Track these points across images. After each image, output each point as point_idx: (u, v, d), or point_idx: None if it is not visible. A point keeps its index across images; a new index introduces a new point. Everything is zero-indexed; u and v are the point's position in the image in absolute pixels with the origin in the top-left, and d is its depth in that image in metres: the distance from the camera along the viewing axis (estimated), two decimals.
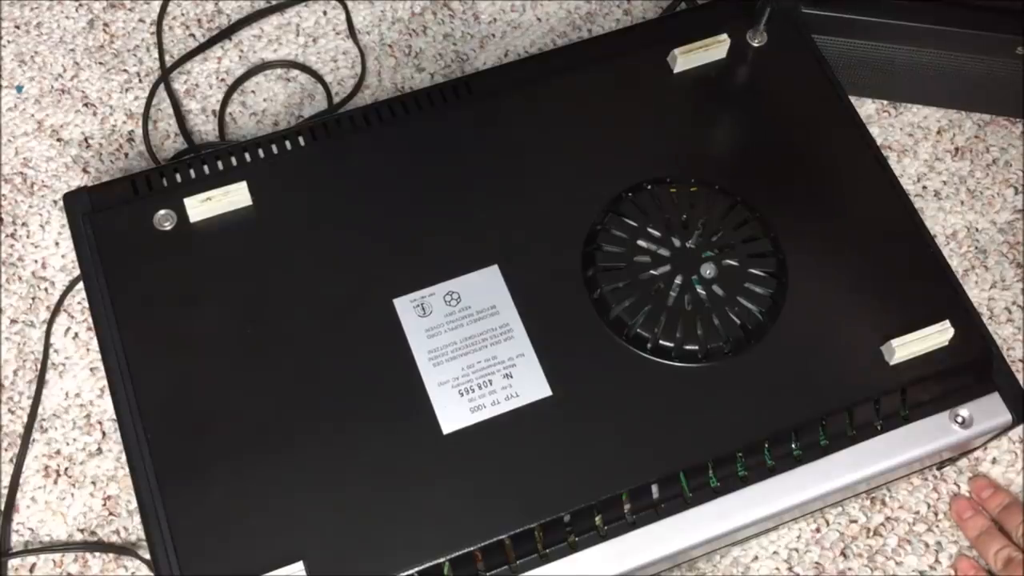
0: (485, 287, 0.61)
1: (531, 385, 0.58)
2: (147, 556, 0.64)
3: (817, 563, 0.69)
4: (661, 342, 0.60)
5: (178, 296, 0.61)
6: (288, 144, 0.66)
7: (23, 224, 0.78)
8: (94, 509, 0.69)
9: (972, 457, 0.72)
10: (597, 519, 0.57)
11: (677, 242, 0.63)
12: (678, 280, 0.62)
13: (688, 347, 0.60)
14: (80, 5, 0.87)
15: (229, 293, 0.61)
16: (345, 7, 0.87)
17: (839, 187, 0.66)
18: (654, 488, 0.57)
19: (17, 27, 0.86)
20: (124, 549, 0.68)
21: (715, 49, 0.69)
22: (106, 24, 0.86)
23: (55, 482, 0.70)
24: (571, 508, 0.56)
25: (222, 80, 0.84)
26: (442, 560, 0.54)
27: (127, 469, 0.58)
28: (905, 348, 0.60)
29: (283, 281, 0.61)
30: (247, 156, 0.65)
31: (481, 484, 0.56)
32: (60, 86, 0.83)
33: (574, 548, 0.56)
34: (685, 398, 0.59)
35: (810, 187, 0.66)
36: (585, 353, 0.59)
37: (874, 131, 0.82)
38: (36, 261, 0.77)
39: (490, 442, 0.57)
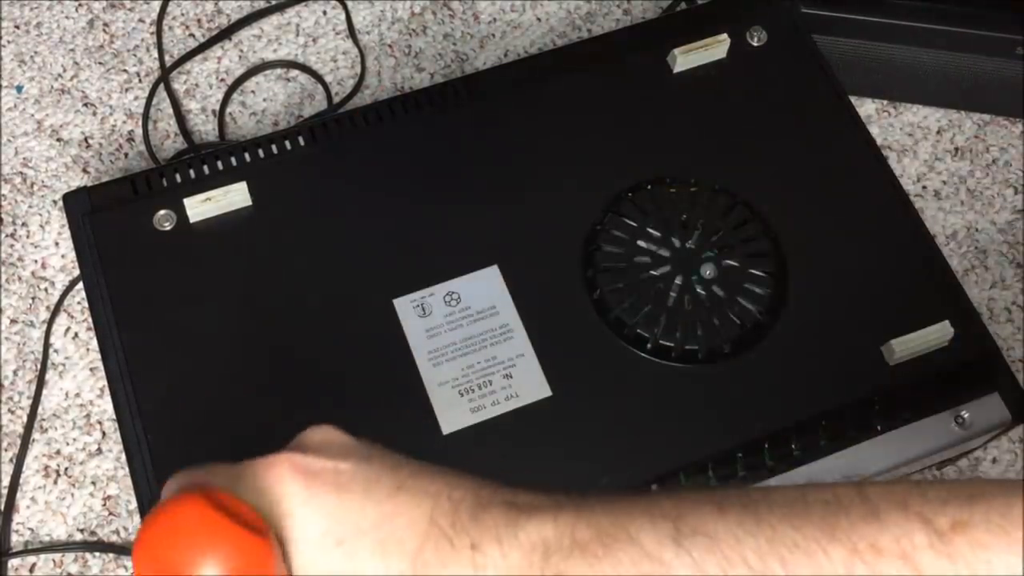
0: (485, 287, 0.61)
1: (531, 385, 0.58)
2: None
3: None
4: (661, 342, 0.60)
5: (178, 296, 0.60)
6: (288, 144, 0.66)
7: (23, 224, 0.78)
8: (94, 509, 0.69)
9: (972, 457, 0.72)
10: None
11: (677, 242, 0.63)
12: (678, 280, 0.62)
13: (688, 347, 0.60)
14: (80, 5, 0.87)
15: (229, 293, 0.61)
16: (345, 7, 0.87)
17: (839, 187, 0.66)
18: (653, 488, 0.57)
19: (17, 27, 0.86)
20: (124, 549, 0.68)
21: (715, 49, 0.69)
22: (106, 24, 0.86)
23: (55, 482, 0.70)
24: None
25: (222, 80, 0.84)
26: None
27: (127, 469, 0.58)
28: (905, 348, 0.60)
29: (283, 281, 0.61)
30: (247, 156, 0.65)
31: None
32: (60, 86, 0.83)
33: None
34: (685, 398, 0.59)
35: (810, 187, 0.66)
36: (585, 353, 0.59)
37: (874, 131, 0.82)
38: (36, 261, 0.77)
39: (490, 442, 0.57)
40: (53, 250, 0.77)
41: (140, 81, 0.84)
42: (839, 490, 0.34)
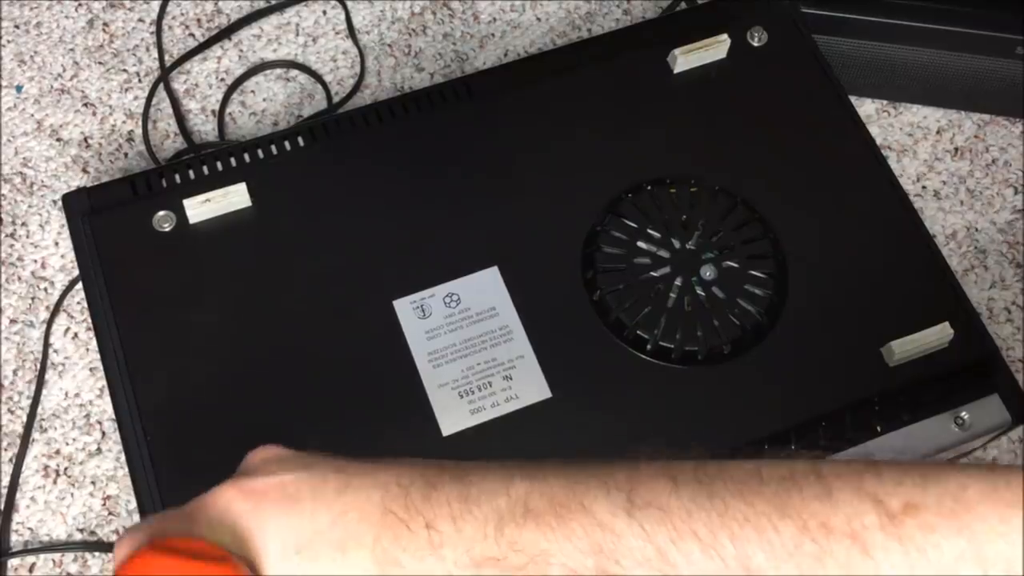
0: (485, 289, 0.61)
1: (531, 387, 0.58)
2: None
3: None
4: (661, 344, 0.60)
5: (177, 297, 0.60)
6: (287, 144, 0.66)
7: (23, 224, 0.78)
8: (93, 509, 0.69)
9: (972, 457, 0.72)
10: None
11: (677, 243, 0.63)
12: (678, 282, 0.62)
13: (688, 349, 0.60)
14: (80, 5, 0.86)
15: (228, 295, 0.61)
16: (345, 7, 0.87)
17: (839, 187, 0.66)
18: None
19: (17, 27, 0.86)
20: None
21: (715, 49, 0.69)
22: (106, 24, 0.86)
23: (55, 482, 0.70)
24: None
25: (222, 80, 0.84)
26: None
27: (127, 469, 0.58)
28: (905, 349, 0.60)
29: (282, 283, 0.61)
30: (246, 157, 0.65)
31: None
32: (60, 86, 0.83)
33: None
34: (685, 400, 0.59)
35: (810, 187, 0.66)
36: (585, 355, 0.59)
37: (874, 131, 0.82)
38: (35, 261, 0.77)
39: (490, 444, 0.57)
40: (53, 250, 0.77)
41: (140, 81, 0.83)
42: (795, 466, 0.35)
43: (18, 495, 0.69)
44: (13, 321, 0.75)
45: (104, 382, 0.67)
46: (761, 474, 0.34)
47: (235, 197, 0.62)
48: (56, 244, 0.77)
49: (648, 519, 0.34)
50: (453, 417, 0.57)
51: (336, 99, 0.83)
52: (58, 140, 0.81)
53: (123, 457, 0.69)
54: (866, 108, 0.84)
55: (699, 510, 0.34)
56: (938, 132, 0.84)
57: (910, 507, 0.32)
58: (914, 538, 0.32)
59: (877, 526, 0.32)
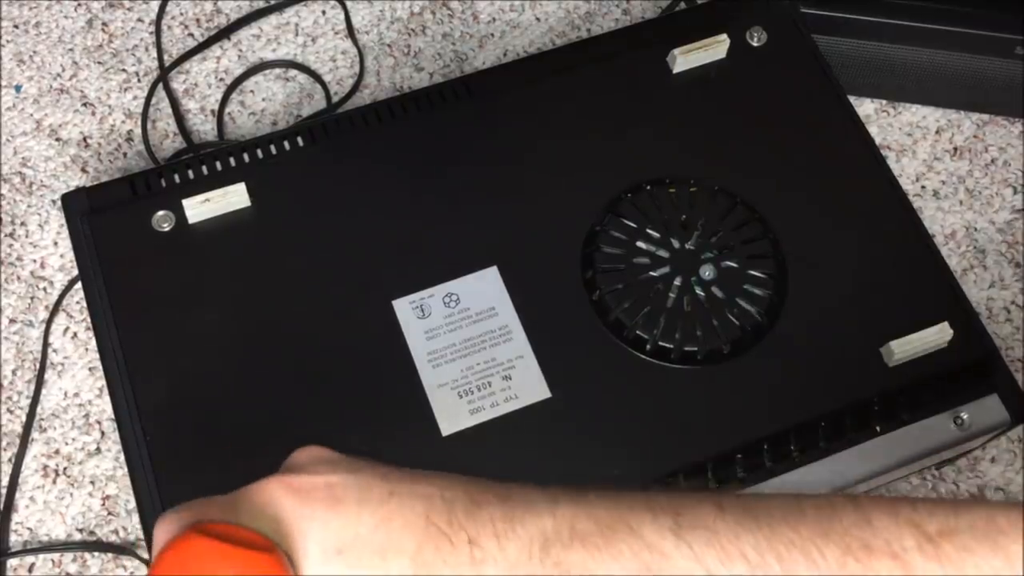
0: (484, 289, 0.61)
1: (530, 387, 0.58)
2: (146, 556, 0.64)
3: None
4: (660, 344, 0.60)
5: (177, 297, 0.60)
6: (287, 144, 0.66)
7: (22, 224, 0.78)
8: (93, 509, 0.69)
9: (971, 456, 0.72)
10: None
11: (676, 243, 0.63)
12: (677, 282, 0.62)
13: (687, 349, 0.60)
14: (79, 4, 0.86)
15: (227, 295, 0.61)
16: (344, 7, 0.87)
17: (838, 187, 0.66)
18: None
19: (16, 26, 0.86)
20: (123, 549, 0.68)
21: (715, 49, 0.69)
22: (105, 23, 0.86)
23: (54, 482, 0.70)
24: None
25: (221, 80, 0.84)
26: None
27: (126, 469, 0.58)
28: (904, 349, 0.60)
29: (282, 283, 0.61)
30: (245, 157, 0.65)
31: None
32: (59, 85, 0.83)
33: None
34: (684, 400, 0.59)
35: (809, 187, 0.66)
36: (584, 355, 0.59)
37: (873, 131, 0.82)
38: (35, 261, 0.77)
39: (489, 444, 0.57)
40: (52, 250, 0.77)
41: (139, 81, 0.83)
42: (833, 498, 0.36)
43: (17, 495, 0.69)
44: (12, 321, 0.75)
45: (103, 382, 0.67)
46: (801, 504, 0.35)
47: (234, 197, 0.62)
48: (55, 244, 0.77)
49: (696, 540, 0.34)
50: (452, 417, 0.57)
51: (335, 99, 0.83)
52: (57, 140, 0.81)
53: (122, 457, 0.69)
54: (865, 108, 0.84)
55: (746, 533, 0.34)
56: (937, 132, 0.84)
57: (945, 531, 0.33)
58: (952, 558, 0.33)
59: (916, 548, 0.33)
